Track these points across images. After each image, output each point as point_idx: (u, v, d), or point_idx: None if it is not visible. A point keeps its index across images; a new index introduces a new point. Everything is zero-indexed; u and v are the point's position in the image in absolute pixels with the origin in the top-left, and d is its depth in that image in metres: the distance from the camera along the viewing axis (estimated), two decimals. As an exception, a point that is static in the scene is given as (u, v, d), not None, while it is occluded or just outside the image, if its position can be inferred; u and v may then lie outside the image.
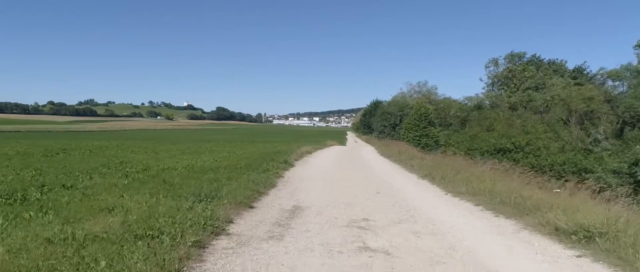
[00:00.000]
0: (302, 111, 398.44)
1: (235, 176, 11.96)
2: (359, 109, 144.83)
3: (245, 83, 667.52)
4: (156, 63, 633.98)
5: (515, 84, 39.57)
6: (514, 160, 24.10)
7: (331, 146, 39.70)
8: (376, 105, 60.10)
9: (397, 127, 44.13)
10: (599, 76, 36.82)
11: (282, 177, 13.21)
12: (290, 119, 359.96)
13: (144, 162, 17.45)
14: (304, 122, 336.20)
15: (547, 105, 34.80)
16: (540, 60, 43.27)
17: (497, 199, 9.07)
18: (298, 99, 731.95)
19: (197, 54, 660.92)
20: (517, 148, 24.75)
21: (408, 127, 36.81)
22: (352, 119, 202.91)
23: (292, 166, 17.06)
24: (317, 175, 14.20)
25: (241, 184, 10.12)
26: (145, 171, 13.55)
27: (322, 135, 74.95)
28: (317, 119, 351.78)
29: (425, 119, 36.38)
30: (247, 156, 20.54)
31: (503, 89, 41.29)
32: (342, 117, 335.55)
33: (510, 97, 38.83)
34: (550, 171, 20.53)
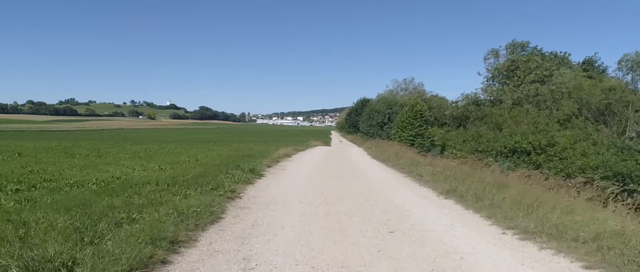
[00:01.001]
0: (286, 110, 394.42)
1: (162, 198, 7.59)
2: (343, 109, 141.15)
3: (229, 83, 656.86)
4: (139, 62, 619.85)
5: (519, 77, 35.50)
6: (534, 163, 20.20)
7: (315, 146, 35.83)
8: (364, 103, 55.90)
9: (386, 126, 40.16)
10: (623, 63, 32.99)
11: (239, 198, 8.82)
12: (274, 118, 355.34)
13: (63, 171, 12.98)
14: (288, 121, 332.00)
15: (556, 100, 30.99)
16: (542, 53, 39.47)
17: (615, 252, 4.91)
18: (282, 98, 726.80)
19: (180, 53, 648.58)
20: (535, 149, 20.73)
21: (401, 126, 32.86)
22: (336, 118, 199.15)
23: (261, 176, 12.70)
24: (292, 193, 9.85)
25: (154, 222, 5.75)
26: (33, 188, 9.04)
27: (306, 134, 72.09)
28: (301, 118, 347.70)
29: (421, 117, 32.57)
30: (207, 162, 16.11)
31: (505, 82, 37.15)
32: (326, 116, 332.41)
33: (514, 91, 34.84)
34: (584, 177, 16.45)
